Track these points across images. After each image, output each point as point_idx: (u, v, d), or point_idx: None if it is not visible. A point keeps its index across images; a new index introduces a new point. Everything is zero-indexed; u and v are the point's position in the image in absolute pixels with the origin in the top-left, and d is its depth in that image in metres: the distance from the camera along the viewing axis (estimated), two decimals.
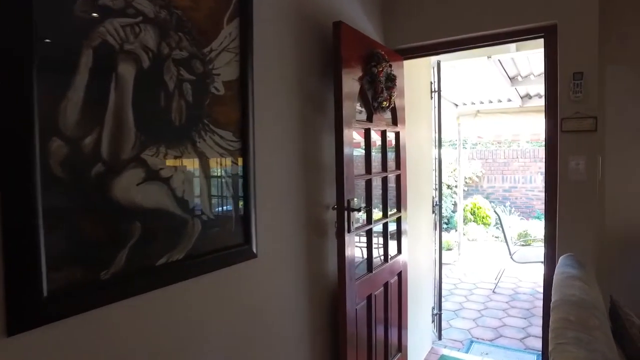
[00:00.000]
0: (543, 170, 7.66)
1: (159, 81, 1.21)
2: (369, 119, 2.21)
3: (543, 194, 7.62)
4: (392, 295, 2.49)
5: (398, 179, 2.56)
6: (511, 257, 4.73)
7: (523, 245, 6.36)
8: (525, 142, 8.61)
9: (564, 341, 1.06)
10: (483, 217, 7.94)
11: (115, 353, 1.10)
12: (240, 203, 1.53)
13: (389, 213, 2.45)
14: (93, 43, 1.03)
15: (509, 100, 5.89)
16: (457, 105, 6.43)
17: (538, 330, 3.78)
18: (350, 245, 1.96)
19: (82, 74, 1.01)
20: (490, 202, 8.49)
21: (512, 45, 3.38)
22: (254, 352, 1.61)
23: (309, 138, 1.96)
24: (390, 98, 2.22)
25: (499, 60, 3.86)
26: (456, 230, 6.84)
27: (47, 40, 0.95)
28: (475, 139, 8.45)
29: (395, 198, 2.59)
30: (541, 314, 4.13)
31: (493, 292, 4.87)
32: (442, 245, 4.69)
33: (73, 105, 0.99)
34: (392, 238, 2.58)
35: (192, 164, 1.32)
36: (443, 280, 4.33)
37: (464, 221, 7.31)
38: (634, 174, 2.72)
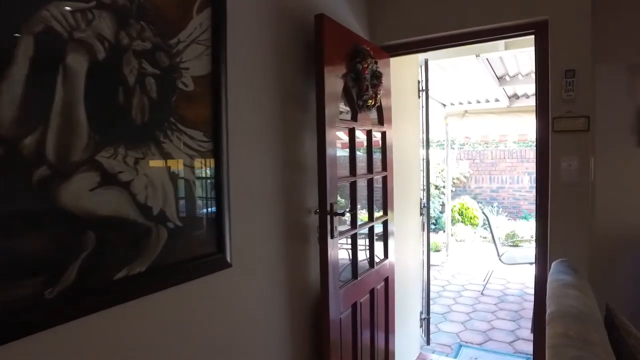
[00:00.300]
0: (530, 170, 7.64)
1: (117, 75, 1.09)
2: (354, 118, 2.11)
3: (530, 195, 7.58)
4: (379, 301, 2.39)
5: (385, 180, 2.46)
6: (499, 259, 4.68)
7: (511, 245, 6.34)
8: (513, 142, 8.62)
9: None
10: (471, 218, 7.92)
11: None
12: (213, 209, 1.41)
13: (375, 216, 2.35)
14: (34, 29, 0.90)
15: (497, 100, 5.86)
16: (444, 105, 6.38)
17: (527, 333, 3.73)
18: (333, 251, 1.86)
19: (20, 65, 0.88)
20: (478, 202, 8.47)
21: (501, 44, 3.31)
22: None
23: (290, 138, 1.84)
24: (376, 96, 2.12)
25: (487, 59, 3.79)
26: (444, 231, 6.79)
27: None
28: (463, 139, 8.42)
29: (381, 200, 2.49)
30: (530, 316, 4.11)
31: (481, 293, 4.82)
32: (431, 247, 4.62)
33: (9, 100, 0.86)
34: (378, 242, 2.48)
35: (157, 167, 1.20)
36: (431, 282, 4.26)
37: (451, 222, 7.26)
38: (622, 175, 2.68)
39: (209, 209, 1.40)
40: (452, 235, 7.03)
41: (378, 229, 2.48)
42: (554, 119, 2.02)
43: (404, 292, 3.02)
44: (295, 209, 1.87)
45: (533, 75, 4.57)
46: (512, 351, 3.43)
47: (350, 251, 2.17)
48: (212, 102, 1.40)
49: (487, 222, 5.45)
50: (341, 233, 1.97)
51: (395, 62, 2.65)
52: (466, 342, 3.60)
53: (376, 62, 2.17)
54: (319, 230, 1.83)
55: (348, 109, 2.15)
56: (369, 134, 2.29)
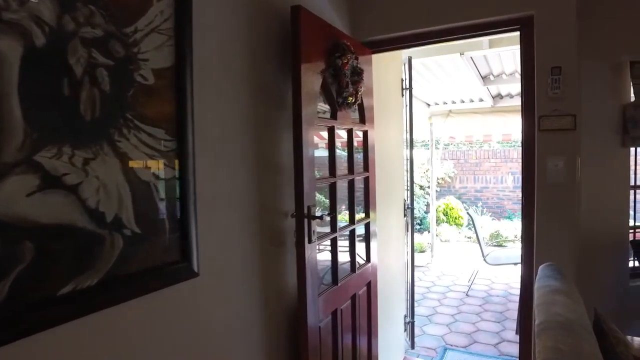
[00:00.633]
0: (514, 170, 7.66)
1: (61, 64, 0.96)
2: (333, 116, 2.01)
3: (514, 194, 7.59)
4: (361, 307, 2.29)
5: (366, 181, 2.37)
6: (484, 260, 4.64)
7: (496, 245, 6.34)
8: (496, 142, 8.65)
9: None
10: (455, 218, 7.91)
11: None
12: (177, 213, 1.29)
13: (357, 219, 2.25)
14: None
15: (481, 100, 5.85)
16: (429, 105, 6.34)
17: (512, 335, 3.70)
18: (311, 256, 1.75)
19: None
20: (463, 202, 8.48)
21: (485, 42, 3.26)
22: None
23: (265, 137, 1.74)
24: (357, 93, 2.03)
25: (471, 57, 3.75)
26: (429, 232, 6.75)
27: None
28: (448, 139, 8.42)
29: (363, 202, 2.39)
30: (514, 317, 4.09)
31: (466, 294, 4.78)
32: (415, 247, 4.56)
33: None
34: (360, 245, 2.39)
35: (110, 168, 1.08)
36: (416, 283, 4.20)
37: (436, 222, 7.24)
38: (606, 175, 2.65)
39: (173, 214, 1.28)
40: (436, 235, 7.00)
41: (360, 231, 2.39)
42: (540, 117, 1.96)
43: (388, 296, 2.94)
44: (270, 212, 1.76)
45: (517, 75, 4.57)
46: (497, 353, 3.38)
47: (330, 256, 2.07)
48: (176, 98, 1.28)
49: (471, 223, 5.42)
50: (320, 237, 1.87)
51: (378, 60, 2.57)
52: (451, 345, 3.54)
53: (357, 58, 2.07)
54: (296, 235, 1.73)
55: (328, 107, 2.05)
56: (349, 133, 2.19)
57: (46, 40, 0.93)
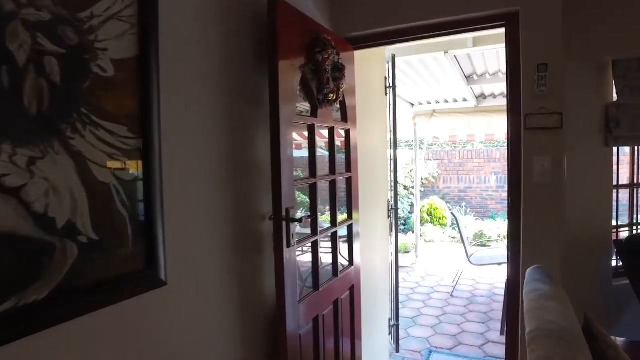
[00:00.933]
0: (497, 170, 7.69)
1: None
2: (313, 113, 1.92)
3: (497, 194, 7.61)
4: (344, 312, 2.21)
5: (349, 182, 2.28)
6: (469, 260, 4.62)
7: (479, 245, 6.34)
8: (480, 142, 8.70)
9: None
10: (440, 218, 7.91)
11: None
12: (142, 217, 1.18)
13: (339, 221, 2.16)
14: None
15: (465, 100, 5.84)
16: (413, 105, 6.31)
17: (496, 336, 3.67)
18: (290, 261, 1.66)
19: None
20: (447, 202, 8.49)
21: (470, 40, 3.22)
22: None
23: (241, 135, 1.64)
24: (338, 90, 1.94)
25: (455, 56, 3.71)
26: (413, 232, 6.72)
27: None
28: (432, 139, 8.42)
29: (345, 204, 2.31)
30: (498, 317, 4.06)
31: (451, 295, 4.75)
32: (400, 248, 4.50)
33: None
34: (342, 249, 2.30)
35: (62, 168, 0.97)
36: (400, 284, 4.14)
37: (420, 222, 7.22)
38: (589, 175, 2.62)
39: (137, 218, 1.17)
40: (421, 235, 6.98)
41: (342, 233, 2.30)
42: (526, 115, 1.91)
43: (372, 299, 2.86)
44: (247, 214, 1.66)
45: (500, 75, 4.56)
46: (482, 355, 3.35)
47: (311, 260, 1.98)
48: (139, 92, 1.17)
49: (456, 223, 5.41)
50: (300, 241, 1.78)
51: (361, 57, 2.49)
52: (436, 348, 3.49)
53: (338, 54, 1.99)
54: (274, 239, 1.63)
55: (308, 105, 1.96)
56: (331, 131, 2.11)
57: None
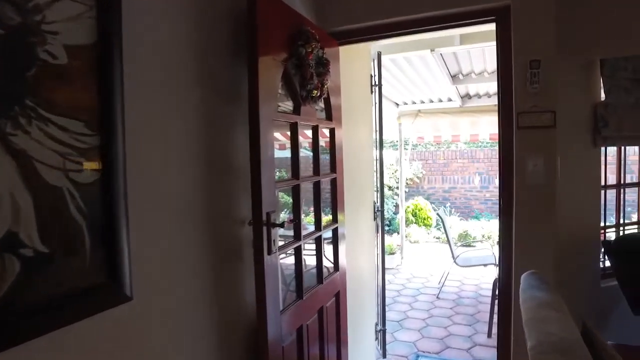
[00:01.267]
0: (480, 170, 7.69)
1: None
2: (296, 111, 1.80)
3: (481, 194, 7.60)
4: (329, 321, 2.10)
5: (334, 183, 2.17)
6: (455, 262, 4.57)
7: (464, 245, 6.32)
8: (464, 143, 8.71)
9: None
10: (424, 219, 7.87)
11: None
12: (102, 225, 1.05)
13: (324, 224, 2.05)
14: None
15: (450, 99, 5.80)
16: (398, 105, 6.25)
17: (484, 338, 3.63)
18: (272, 270, 1.54)
19: None
20: (431, 202, 8.47)
21: (457, 38, 3.15)
22: None
23: (217, 134, 1.51)
24: (322, 86, 1.83)
25: (441, 54, 3.64)
26: (398, 233, 6.66)
27: None
28: (416, 139, 8.39)
29: (330, 206, 2.20)
30: (485, 319, 4.01)
31: (437, 297, 4.70)
32: (385, 250, 4.42)
33: None
34: (327, 252, 2.19)
35: (0, 169, 0.83)
36: (387, 287, 4.05)
37: (405, 223, 7.16)
38: (577, 176, 2.57)
39: (97, 226, 1.04)
40: (406, 236, 6.93)
41: (327, 236, 2.20)
42: (519, 114, 1.83)
43: (358, 304, 2.76)
44: (224, 219, 1.54)
45: (486, 74, 4.52)
46: (470, 358, 3.29)
47: (295, 264, 1.86)
48: (99, 83, 1.04)
49: (441, 224, 5.36)
50: (282, 247, 1.66)
51: (346, 54, 2.39)
52: (424, 352, 3.42)
53: (322, 48, 1.88)
54: (254, 246, 1.51)
55: (291, 103, 1.84)
56: (315, 130, 1.99)
57: None
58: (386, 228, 7.33)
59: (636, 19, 2.43)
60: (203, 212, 1.42)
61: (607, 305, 2.75)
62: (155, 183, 1.24)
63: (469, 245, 6.46)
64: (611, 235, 3.01)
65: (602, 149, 2.74)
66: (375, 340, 3.21)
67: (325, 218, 2.14)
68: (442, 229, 5.18)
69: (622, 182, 3.02)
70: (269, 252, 1.51)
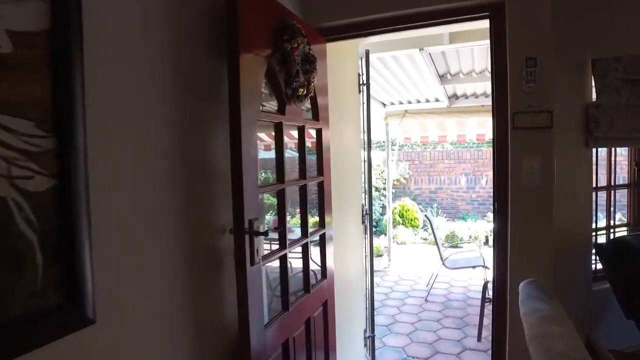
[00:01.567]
0: (467, 171, 7.68)
1: None
2: (281, 110, 1.69)
3: (467, 195, 7.57)
4: (317, 332, 1.99)
5: (321, 186, 2.06)
6: (443, 264, 4.51)
7: (452, 246, 6.28)
8: (450, 143, 8.70)
9: None
10: (411, 220, 7.82)
11: None
12: (58, 239, 0.92)
13: (310, 231, 1.94)
14: None
15: (437, 100, 5.76)
16: (385, 105, 6.18)
17: (473, 342, 3.57)
18: (255, 282, 1.42)
19: None
20: (418, 203, 8.43)
21: (446, 36, 3.08)
22: None
23: (195, 135, 1.39)
24: (309, 84, 1.72)
25: (429, 54, 3.56)
26: (385, 235, 6.59)
27: None
28: (403, 140, 8.35)
29: (317, 209, 2.09)
30: (474, 322, 3.96)
31: (426, 300, 4.63)
32: (373, 254, 4.33)
33: None
34: (314, 253, 2.08)
35: None
36: (375, 289, 3.96)
37: (392, 224, 7.10)
38: (569, 177, 2.52)
39: (51, 241, 0.91)
40: (393, 238, 6.86)
41: (315, 243, 2.08)
42: (514, 114, 1.75)
43: (346, 310, 2.66)
44: (203, 228, 1.41)
45: (474, 74, 4.47)
46: None
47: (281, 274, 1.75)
48: (54, 77, 0.91)
49: (429, 226, 5.31)
50: (266, 256, 1.55)
51: (333, 52, 2.28)
52: (413, 357, 3.34)
53: (309, 44, 1.77)
54: (235, 256, 1.39)
55: (275, 101, 1.73)
56: (301, 131, 1.88)
57: None
58: (373, 229, 7.25)
59: (627, 19, 2.39)
60: (179, 220, 1.30)
61: (599, 309, 2.71)
62: (124, 189, 1.11)
63: (457, 247, 6.42)
64: (602, 238, 2.97)
65: (594, 150, 2.70)
66: (364, 347, 3.11)
67: (312, 220, 2.03)
68: (430, 230, 5.12)
69: (612, 183, 2.98)
70: (252, 263, 1.39)
